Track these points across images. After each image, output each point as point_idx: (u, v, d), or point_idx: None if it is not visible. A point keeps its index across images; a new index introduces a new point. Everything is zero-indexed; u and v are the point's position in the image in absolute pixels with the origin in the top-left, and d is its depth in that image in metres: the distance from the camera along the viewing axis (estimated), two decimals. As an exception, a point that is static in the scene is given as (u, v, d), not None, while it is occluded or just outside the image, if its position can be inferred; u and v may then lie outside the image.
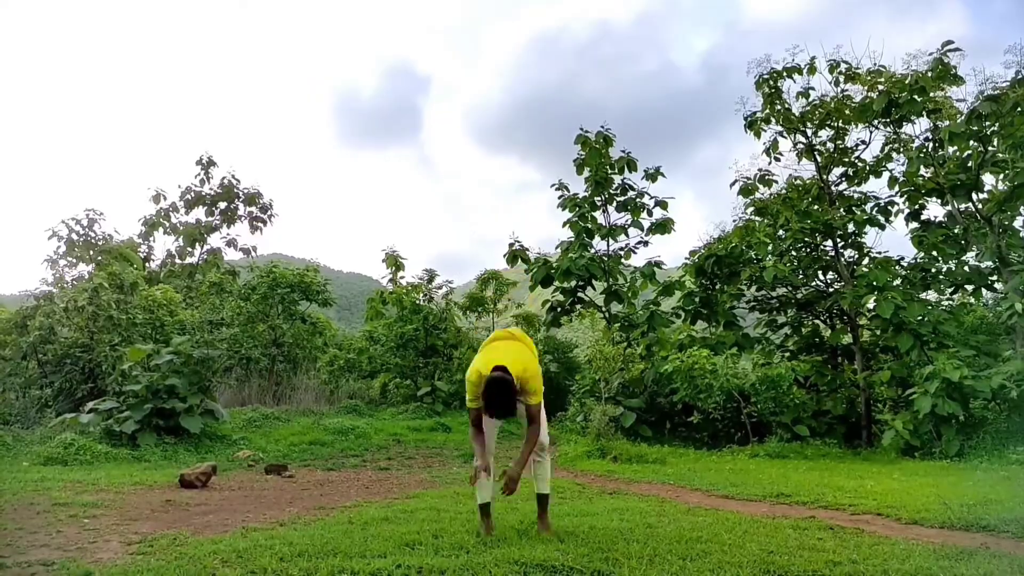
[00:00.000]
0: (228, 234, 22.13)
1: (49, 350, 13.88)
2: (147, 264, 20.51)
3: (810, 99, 14.95)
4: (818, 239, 15.14)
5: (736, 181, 16.02)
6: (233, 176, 21.89)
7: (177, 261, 21.59)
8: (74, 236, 18.67)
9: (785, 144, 15.49)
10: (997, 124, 12.27)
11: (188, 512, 5.95)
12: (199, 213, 21.85)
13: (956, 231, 13.88)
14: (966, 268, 13.91)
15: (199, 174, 21.81)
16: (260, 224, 22.21)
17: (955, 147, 13.21)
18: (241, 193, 21.98)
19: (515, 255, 17.04)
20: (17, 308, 15.80)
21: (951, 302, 14.23)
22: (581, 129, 16.72)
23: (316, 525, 5.18)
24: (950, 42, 13.50)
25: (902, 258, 14.74)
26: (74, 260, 18.71)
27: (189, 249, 21.61)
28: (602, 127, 16.73)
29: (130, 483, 7.36)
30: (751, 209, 16.08)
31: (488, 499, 4.64)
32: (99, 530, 5.01)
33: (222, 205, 21.89)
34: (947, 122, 13.46)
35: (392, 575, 3.59)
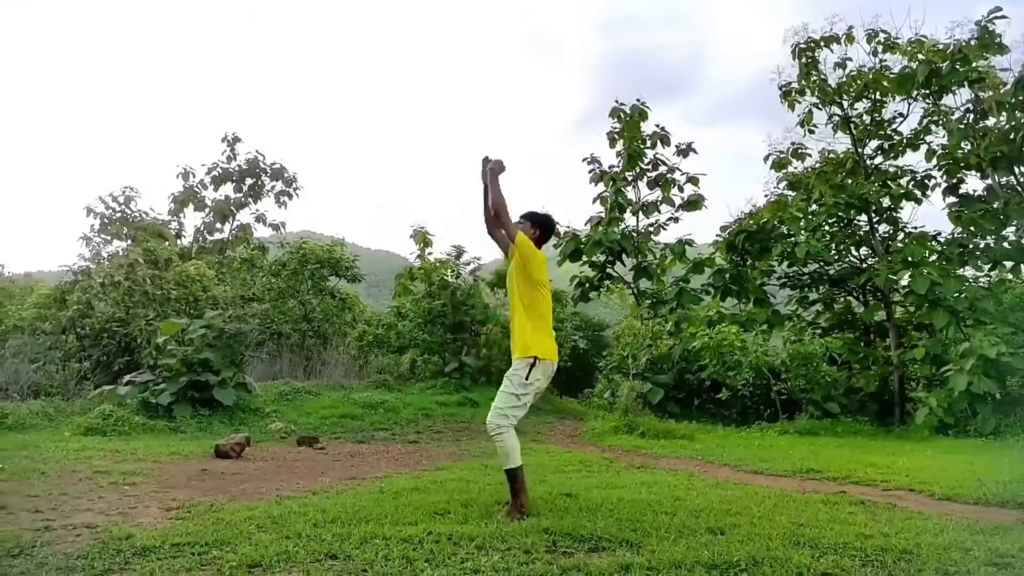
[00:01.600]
0: (256, 210, 22.34)
1: (87, 324, 14.21)
2: (178, 240, 20.82)
3: (847, 70, 14.59)
4: (852, 214, 14.84)
5: (769, 155, 15.75)
6: (258, 152, 22.07)
7: (208, 237, 21.88)
8: (110, 213, 19.06)
9: (820, 116, 15.17)
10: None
11: (224, 480, 6.09)
12: (227, 189, 22.07)
13: (996, 205, 13.50)
14: (1006, 244, 13.54)
15: (225, 151, 22.00)
16: (286, 199, 22.39)
17: (999, 118, 12.81)
18: (267, 168, 22.15)
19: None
20: (56, 284, 16.20)
21: (989, 278, 13.89)
22: (616, 101, 16.50)
23: (348, 494, 5.27)
24: (997, 9, 13.04)
25: (939, 233, 14.40)
26: (110, 237, 19.11)
27: (219, 225, 21.88)
28: (638, 100, 16.50)
29: (167, 453, 7.55)
30: (783, 184, 15.82)
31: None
32: (139, 496, 5.15)
33: (249, 181, 22.09)
34: (991, 92, 13.04)
35: (423, 541, 3.64)
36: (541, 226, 4.78)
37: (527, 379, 4.40)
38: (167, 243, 17.38)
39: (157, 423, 9.71)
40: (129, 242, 18.10)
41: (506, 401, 4.45)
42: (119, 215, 19.13)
